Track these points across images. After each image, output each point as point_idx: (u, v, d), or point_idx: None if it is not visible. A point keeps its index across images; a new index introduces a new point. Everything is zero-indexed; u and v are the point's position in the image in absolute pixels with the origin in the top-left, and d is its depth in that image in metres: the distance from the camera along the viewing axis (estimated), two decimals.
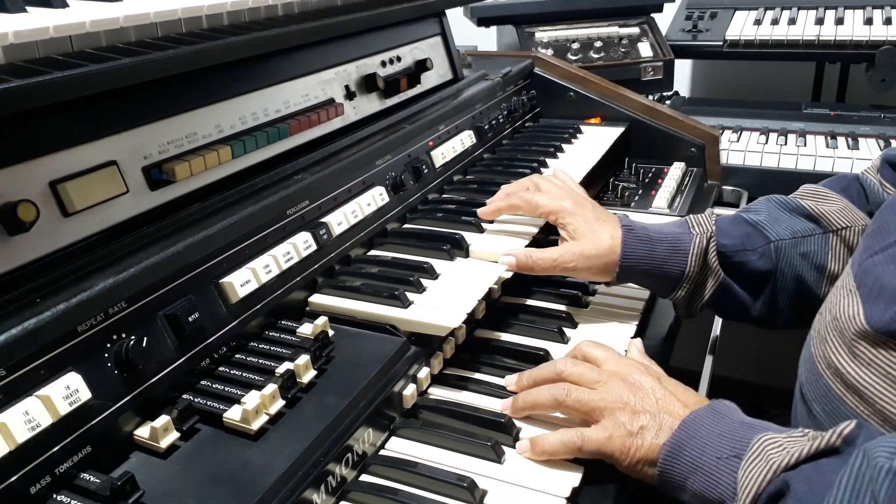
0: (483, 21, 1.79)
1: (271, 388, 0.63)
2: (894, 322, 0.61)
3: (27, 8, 0.58)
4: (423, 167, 1.05)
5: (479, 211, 0.99)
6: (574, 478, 0.67)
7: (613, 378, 0.71)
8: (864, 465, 0.51)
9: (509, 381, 0.78)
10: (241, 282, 0.71)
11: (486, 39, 2.03)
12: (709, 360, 1.01)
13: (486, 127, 1.26)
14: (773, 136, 1.60)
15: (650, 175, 1.37)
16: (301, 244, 0.79)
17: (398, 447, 0.71)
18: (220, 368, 0.68)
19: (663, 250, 0.88)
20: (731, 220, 0.92)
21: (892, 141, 1.54)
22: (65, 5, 0.60)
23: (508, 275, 0.90)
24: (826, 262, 0.88)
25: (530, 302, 0.97)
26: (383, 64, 1.12)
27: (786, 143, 1.56)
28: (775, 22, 1.76)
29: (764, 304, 0.89)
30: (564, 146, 1.31)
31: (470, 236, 0.95)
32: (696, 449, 0.63)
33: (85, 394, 0.55)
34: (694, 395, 0.71)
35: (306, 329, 0.73)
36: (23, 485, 0.51)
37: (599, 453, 0.67)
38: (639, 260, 0.88)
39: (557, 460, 0.69)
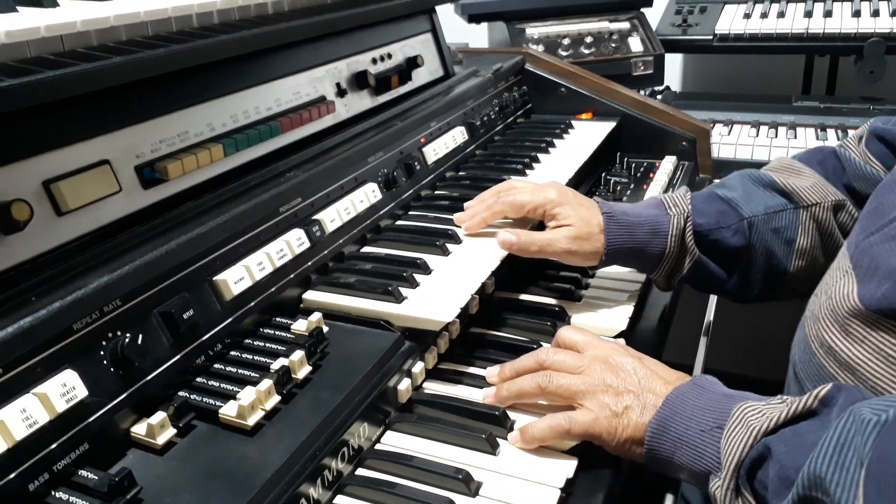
0: (474, 17, 1.79)
1: (266, 383, 0.63)
2: (885, 299, 0.61)
3: (17, 8, 0.58)
4: (416, 164, 1.05)
5: (465, 226, 0.96)
6: (569, 468, 0.67)
7: (595, 362, 0.72)
8: (850, 421, 0.52)
9: (491, 372, 0.79)
10: (235, 279, 0.71)
11: (477, 36, 2.03)
12: (701, 351, 1.02)
13: (478, 123, 1.26)
14: (763, 129, 1.61)
15: (642, 169, 1.38)
16: (294, 241, 0.80)
17: (394, 441, 0.71)
18: (216, 365, 0.68)
19: (643, 234, 0.89)
20: (705, 197, 0.93)
21: (885, 119, 1.54)
22: (55, 5, 0.60)
23: (496, 263, 0.90)
24: (795, 237, 0.90)
25: (523, 297, 0.97)
26: (374, 61, 1.12)
27: (776, 136, 1.57)
28: (764, 15, 1.77)
29: (738, 279, 0.91)
30: (556, 141, 1.32)
31: (463, 232, 0.96)
32: (680, 424, 0.64)
33: (81, 391, 0.55)
34: (675, 373, 0.72)
35: (301, 325, 0.73)
36: (21, 482, 0.52)
37: (587, 435, 0.68)
38: (621, 245, 0.89)
39: (551, 450, 0.69)
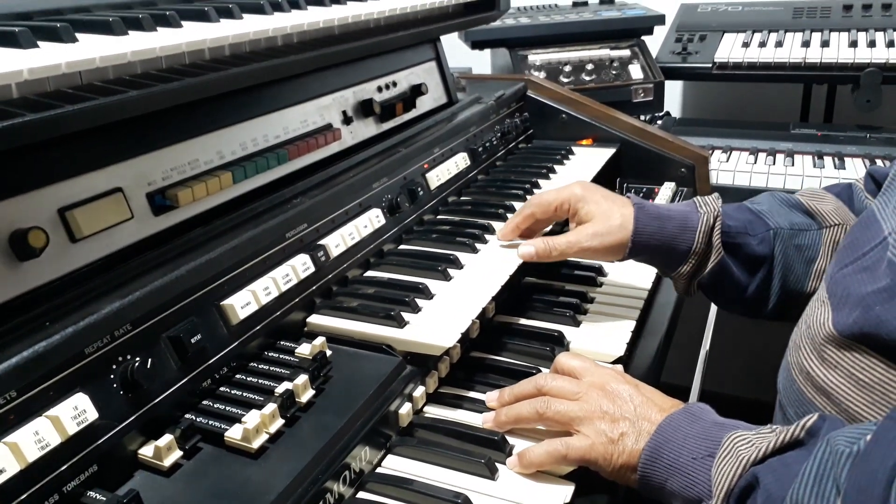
0: (477, 44, 1.83)
1: (271, 407, 0.65)
2: (856, 324, 0.65)
3: (39, 43, 0.60)
4: (419, 189, 1.07)
5: (499, 234, 1.02)
6: (566, 492, 0.69)
7: (592, 388, 0.74)
8: (826, 452, 0.54)
9: (490, 397, 0.80)
10: (242, 304, 0.73)
11: (481, 61, 2.07)
12: (697, 376, 1.03)
13: (480, 149, 1.29)
14: (761, 156, 1.63)
15: (641, 195, 1.40)
16: (300, 266, 0.82)
17: (394, 465, 0.73)
18: (222, 388, 0.70)
19: (673, 227, 0.91)
20: (735, 206, 0.96)
21: (878, 160, 1.57)
22: (74, 40, 0.62)
23: (497, 288, 0.92)
24: (816, 257, 0.92)
25: (524, 321, 0.99)
26: (379, 89, 1.15)
27: (774, 163, 1.59)
28: (763, 44, 1.80)
29: (757, 287, 0.93)
30: (557, 167, 1.34)
31: (465, 256, 0.98)
32: (673, 451, 0.66)
33: (92, 414, 0.57)
34: (670, 400, 0.74)
35: (305, 349, 0.75)
36: (32, 503, 0.53)
37: (583, 460, 0.70)
38: (650, 236, 0.91)
39: (549, 475, 0.71)
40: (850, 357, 0.67)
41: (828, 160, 1.59)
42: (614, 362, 0.90)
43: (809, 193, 0.98)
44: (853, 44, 1.72)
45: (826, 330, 0.69)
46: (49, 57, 0.56)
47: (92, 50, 0.59)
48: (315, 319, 0.83)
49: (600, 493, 0.71)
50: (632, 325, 0.97)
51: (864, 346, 0.65)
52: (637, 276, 1.10)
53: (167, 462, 0.61)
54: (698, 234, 0.90)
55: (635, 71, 1.75)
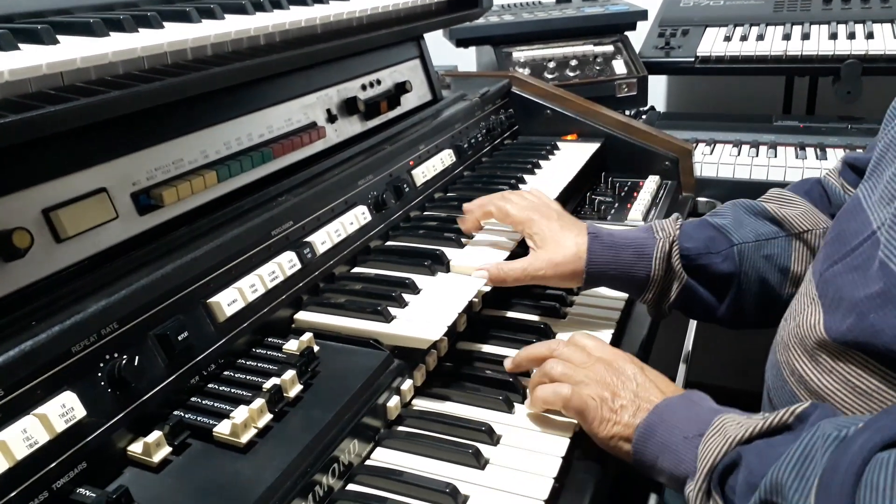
0: (462, 42, 1.83)
1: (259, 402, 0.65)
2: (850, 332, 0.63)
3: (20, 45, 0.60)
4: (405, 186, 1.08)
5: (463, 227, 1.03)
6: (549, 482, 0.70)
7: (599, 363, 0.76)
8: (815, 436, 0.55)
9: (508, 362, 0.85)
10: (228, 301, 0.74)
11: (466, 58, 2.07)
12: (682, 367, 1.04)
13: (466, 145, 1.30)
14: (745, 148, 1.65)
15: (626, 189, 1.41)
16: (286, 263, 0.82)
17: (383, 457, 0.73)
18: (210, 385, 0.70)
19: (628, 256, 0.91)
20: (696, 224, 0.95)
21: (859, 151, 1.59)
22: (55, 42, 0.63)
23: (487, 288, 0.93)
24: (789, 264, 0.91)
25: (510, 314, 1.00)
26: (364, 87, 1.15)
27: (757, 155, 1.60)
28: (744, 38, 1.82)
29: (729, 306, 0.92)
30: (542, 162, 1.35)
31: (450, 252, 0.98)
32: (666, 431, 0.67)
33: (80, 412, 0.57)
34: (673, 386, 0.75)
35: (292, 345, 0.75)
36: (21, 500, 0.53)
37: (581, 413, 0.73)
38: (604, 265, 0.91)
39: (534, 469, 0.71)
40: (846, 364, 0.65)
41: (810, 151, 1.61)
42: None
43: (776, 198, 0.96)
44: (833, 36, 1.74)
45: (817, 333, 0.68)
46: (30, 58, 0.57)
47: (73, 51, 0.60)
48: (302, 316, 0.84)
49: (586, 482, 0.72)
50: (616, 316, 0.99)
51: (860, 353, 0.64)
52: None
53: (156, 458, 0.61)
54: (654, 261, 0.90)
55: (619, 66, 1.76)
